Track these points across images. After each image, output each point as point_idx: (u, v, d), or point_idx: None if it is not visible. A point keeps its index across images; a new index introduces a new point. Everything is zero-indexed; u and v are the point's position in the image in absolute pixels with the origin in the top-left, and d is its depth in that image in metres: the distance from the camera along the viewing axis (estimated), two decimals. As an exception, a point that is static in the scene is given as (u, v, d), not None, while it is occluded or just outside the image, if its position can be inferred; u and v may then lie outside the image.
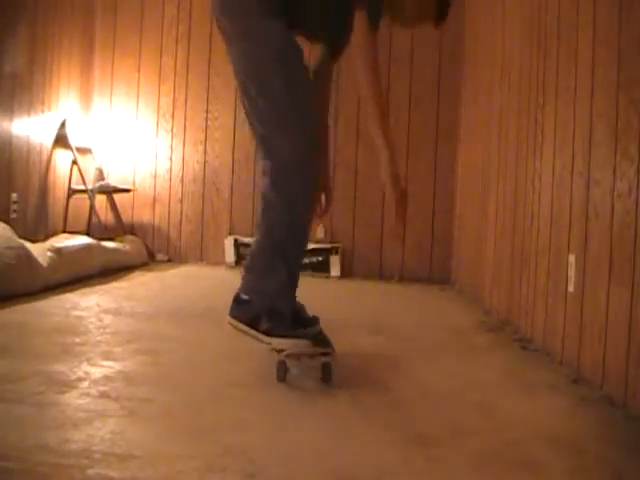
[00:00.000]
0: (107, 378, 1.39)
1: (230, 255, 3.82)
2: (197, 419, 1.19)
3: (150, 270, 3.47)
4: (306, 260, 3.68)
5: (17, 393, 1.25)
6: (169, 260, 3.87)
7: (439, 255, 3.72)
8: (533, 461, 1.07)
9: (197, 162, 3.90)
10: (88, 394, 1.27)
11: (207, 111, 3.86)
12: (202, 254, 3.89)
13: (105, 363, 1.51)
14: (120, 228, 3.83)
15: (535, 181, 2.16)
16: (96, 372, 1.43)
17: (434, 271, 3.71)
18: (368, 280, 3.66)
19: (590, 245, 1.65)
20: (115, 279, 3.01)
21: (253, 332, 1.44)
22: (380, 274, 3.74)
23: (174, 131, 3.90)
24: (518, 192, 2.38)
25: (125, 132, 3.92)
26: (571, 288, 1.76)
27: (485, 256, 2.87)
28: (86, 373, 1.42)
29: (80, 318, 2.03)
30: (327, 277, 3.67)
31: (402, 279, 3.68)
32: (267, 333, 1.43)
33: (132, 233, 3.84)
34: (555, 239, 1.94)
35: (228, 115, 3.85)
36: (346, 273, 3.71)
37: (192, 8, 3.86)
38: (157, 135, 3.91)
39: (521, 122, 2.36)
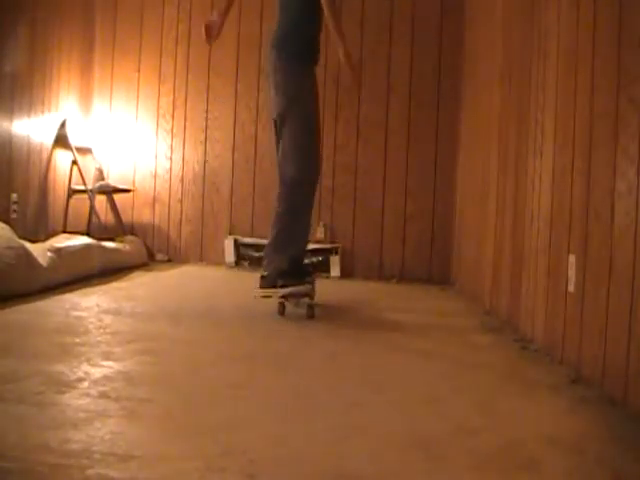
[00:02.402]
0: (107, 378, 1.39)
1: (230, 255, 3.82)
2: (197, 419, 1.19)
3: (150, 270, 3.46)
4: (306, 260, 3.68)
5: (17, 393, 1.24)
6: (169, 260, 3.87)
7: (439, 255, 3.72)
8: (533, 461, 1.07)
9: (197, 162, 3.89)
10: (88, 394, 1.27)
11: (207, 111, 3.86)
12: (202, 254, 3.88)
13: (105, 363, 1.51)
14: (120, 228, 3.83)
15: (535, 181, 2.16)
16: (96, 372, 1.43)
17: (434, 271, 3.71)
18: (368, 280, 3.66)
19: (590, 245, 1.65)
20: (115, 279, 3.01)
21: (273, 290, 2.29)
22: (380, 274, 3.74)
23: (174, 131, 3.90)
24: (518, 192, 2.38)
25: (125, 132, 3.92)
26: (571, 288, 1.76)
27: (485, 256, 2.87)
28: (86, 373, 1.41)
29: (80, 318, 2.03)
30: (327, 277, 3.67)
31: (402, 279, 3.69)
32: (281, 287, 2.28)
33: (132, 233, 3.84)
34: (555, 239, 1.94)
35: (228, 115, 3.85)
36: (346, 273, 3.71)
37: (192, 8, 3.86)
38: (157, 135, 3.91)
39: (521, 122, 2.36)
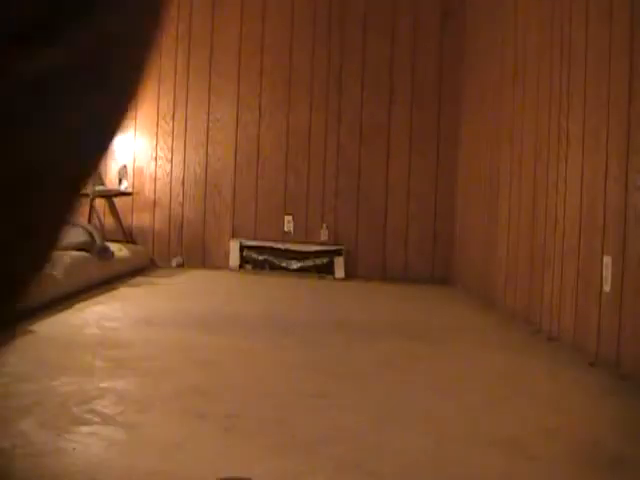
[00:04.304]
0: (179, 394, 1.35)
1: (235, 259, 3.76)
2: (293, 432, 1.17)
3: (159, 276, 3.37)
4: (310, 262, 3.69)
5: (97, 414, 1.20)
6: (182, 265, 3.77)
7: (441, 256, 3.78)
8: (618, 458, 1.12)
9: (198, 164, 3.82)
10: (170, 412, 1.24)
11: (208, 113, 3.79)
12: (204, 258, 3.82)
13: (168, 378, 1.47)
14: (121, 232, 3.72)
15: (559, 185, 2.23)
16: (165, 388, 1.39)
17: (436, 271, 3.78)
18: (372, 281, 3.68)
19: (629, 247, 1.72)
20: (121, 286, 2.92)
21: None
22: (383, 275, 3.77)
23: (175, 133, 3.81)
24: (537, 195, 2.45)
25: (124, 134, 3.80)
26: (607, 288, 1.83)
27: (496, 257, 2.94)
28: (155, 389, 1.37)
29: (115, 330, 1.97)
30: (332, 279, 3.67)
31: (405, 280, 3.73)
32: None
33: (132, 236, 3.74)
34: (586, 241, 2.01)
35: (230, 117, 3.79)
36: (350, 274, 3.73)
37: (193, 6, 3.77)
38: (157, 137, 3.81)
39: (540, 127, 2.43)
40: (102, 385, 1.37)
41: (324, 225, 3.78)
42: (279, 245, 3.70)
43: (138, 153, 3.82)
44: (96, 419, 1.17)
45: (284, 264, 3.67)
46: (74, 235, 2.74)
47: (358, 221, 3.81)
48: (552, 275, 2.25)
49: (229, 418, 1.22)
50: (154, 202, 3.81)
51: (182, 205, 3.82)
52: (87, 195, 3.46)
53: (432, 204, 3.80)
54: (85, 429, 1.12)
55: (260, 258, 3.73)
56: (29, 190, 0.31)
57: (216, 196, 3.82)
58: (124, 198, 3.74)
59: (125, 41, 0.34)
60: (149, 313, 2.28)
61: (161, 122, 3.81)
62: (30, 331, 1.83)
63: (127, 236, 3.73)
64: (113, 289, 2.80)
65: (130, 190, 3.74)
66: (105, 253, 2.88)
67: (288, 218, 3.79)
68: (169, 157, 3.83)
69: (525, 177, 2.61)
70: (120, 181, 3.66)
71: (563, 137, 2.19)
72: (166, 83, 3.79)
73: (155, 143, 3.82)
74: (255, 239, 3.77)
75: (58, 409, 1.20)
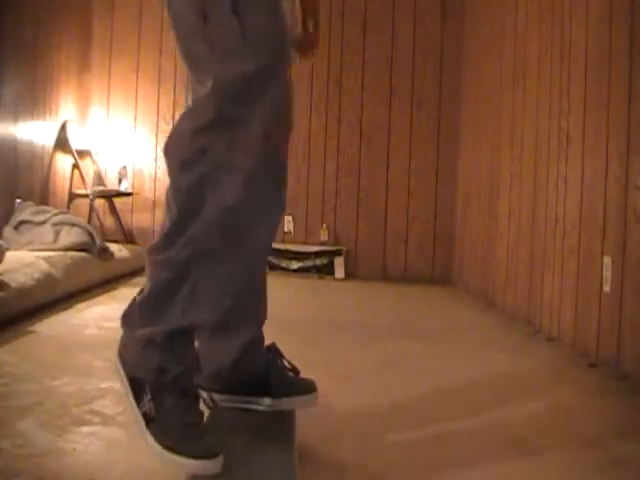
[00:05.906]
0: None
1: (234, 259, 3.76)
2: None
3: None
4: (311, 263, 3.69)
5: (97, 414, 1.20)
6: None
7: (441, 256, 3.79)
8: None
9: (198, 165, 3.82)
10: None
11: (208, 113, 3.79)
12: (204, 258, 3.82)
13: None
14: (121, 232, 3.73)
15: (560, 184, 2.23)
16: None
17: (436, 272, 3.78)
18: (372, 281, 3.69)
19: (629, 247, 1.72)
20: (122, 286, 2.92)
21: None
22: (384, 275, 3.77)
23: (174, 133, 3.81)
24: (537, 195, 2.45)
25: (124, 134, 3.81)
26: (607, 288, 1.83)
27: (496, 257, 2.94)
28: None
29: (115, 330, 1.96)
30: (332, 279, 3.67)
31: (405, 279, 3.73)
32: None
33: (131, 236, 3.74)
34: (585, 241, 2.01)
35: (230, 117, 3.80)
36: (350, 275, 3.73)
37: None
38: (157, 137, 3.81)
39: (541, 127, 2.43)
40: (102, 385, 1.37)
41: (324, 225, 3.78)
42: (279, 245, 3.70)
43: (138, 153, 3.82)
44: (96, 419, 1.17)
45: (284, 264, 3.67)
46: (74, 235, 2.74)
47: (358, 221, 3.82)
48: (552, 275, 2.25)
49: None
50: (154, 202, 3.81)
51: (182, 205, 3.82)
52: (87, 195, 3.46)
53: (432, 204, 3.80)
54: (85, 429, 1.12)
55: (260, 258, 3.73)
56: None
57: (216, 196, 3.82)
58: (124, 198, 3.74)
59: None
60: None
61: (161, 122, 3.81)
62: (30, 331, 1.83)
63: (127, 236, 3.73)
64: (113, 289, 2.80)
65: (130, 190, 3.74)
66: (105, 253, 2.88)
67: (288, 218, 3.79)
68: (169, 157, 3.82)
69: (525, 177, 2.60)
70: (120, 181, 3.66)
71: (563, 137, 2.19)
72: (166, 83, 3.79)
73: (155, 143, 3.82)
74: (255, 239, 3.77)
75: (58, 409, 1.20)
